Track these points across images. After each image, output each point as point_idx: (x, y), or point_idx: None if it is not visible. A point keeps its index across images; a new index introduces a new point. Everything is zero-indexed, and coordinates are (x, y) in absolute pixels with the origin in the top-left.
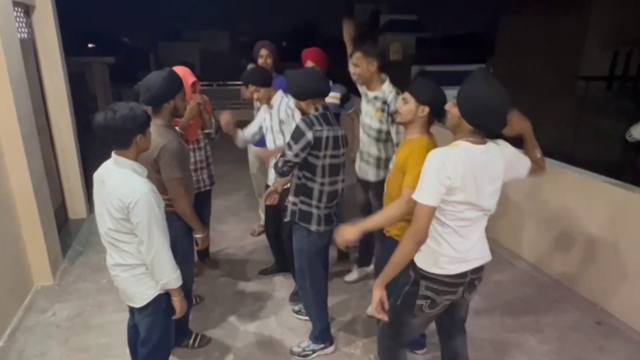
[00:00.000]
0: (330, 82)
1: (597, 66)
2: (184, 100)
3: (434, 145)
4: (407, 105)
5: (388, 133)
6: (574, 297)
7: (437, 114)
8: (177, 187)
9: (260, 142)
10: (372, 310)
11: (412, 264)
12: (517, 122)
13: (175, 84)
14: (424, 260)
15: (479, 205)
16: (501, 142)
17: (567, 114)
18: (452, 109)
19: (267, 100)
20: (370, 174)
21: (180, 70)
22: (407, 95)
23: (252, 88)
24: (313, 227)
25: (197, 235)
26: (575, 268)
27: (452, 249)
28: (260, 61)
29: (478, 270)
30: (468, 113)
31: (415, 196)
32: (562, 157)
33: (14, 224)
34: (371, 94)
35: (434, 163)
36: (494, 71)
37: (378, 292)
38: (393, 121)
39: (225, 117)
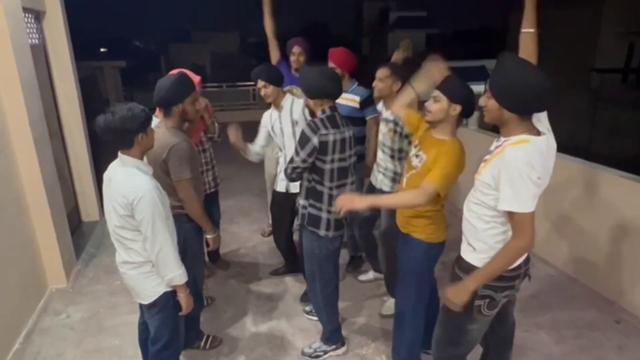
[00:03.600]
0: (355, 84)
1: (613, 58)
2: (194, 104)
3: (463, 149)
4: (438, 104)
5: (400, 151)
6: (591, 295)
7: (467, 114)
8: (187, 188)
9: None
10: (445, 299)
11: (460, 263)
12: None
13: (185, 88)
14: (480, 258)
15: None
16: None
17: (582, 107)
18: (487, 102)
19: (275, 101)
20: (385, 185)
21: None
22: (438, 93)
23: (261, 83)
24: (322, 232)
25: (208, 236)
26: (592, 265)
27: None
28: (292, 58)
29: (527, 261)
30: (514, 104)
31: (511, 207)
32: (577, 151)
33: (28, 228)
34: (385, 114)
35: (522, 166)
36: None
37: (466, 295)
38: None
39: (232, 133)
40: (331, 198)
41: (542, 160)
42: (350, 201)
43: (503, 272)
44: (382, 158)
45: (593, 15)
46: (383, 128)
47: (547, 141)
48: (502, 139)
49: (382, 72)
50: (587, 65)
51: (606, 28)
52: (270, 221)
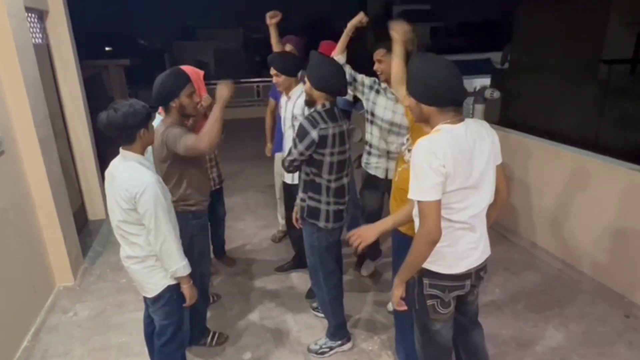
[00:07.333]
0: None
1: (621, 49)
2: (191, 97)
3: None
4: (409, 100)
5: (392, 124)
6: (600, 289)
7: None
8: (197, 139)
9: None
10: (393, 306)
11: None
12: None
13: (178, 81)
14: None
15: (478, 186)
16: (483, 123)
17: (590, 99)
18: (410, 102)
19: (287, 90)
20: (367, 163)
21: (187, 69)
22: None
23: (273, 71)
24: (321, 224)
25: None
26: (601, 259)
27: (456, 246)
28: None
29: (482, 263)
30: (424, 96)
31: (414, 196)
32: (585, 144)
33: (35, 227)
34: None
35: (422, 154)
36: (511, 58)
37: (397, 291)
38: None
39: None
40: (329, 190)
41: (456, 147)
42: (360, 237)
43: (445, 271)
44: (393, 141)
45: (600, 5)
46: (399, 109)
47: (466, 127)
48: None
49: (378, 53)
50: (595, 56)
51: (614, 18)
52: (280, 228)
